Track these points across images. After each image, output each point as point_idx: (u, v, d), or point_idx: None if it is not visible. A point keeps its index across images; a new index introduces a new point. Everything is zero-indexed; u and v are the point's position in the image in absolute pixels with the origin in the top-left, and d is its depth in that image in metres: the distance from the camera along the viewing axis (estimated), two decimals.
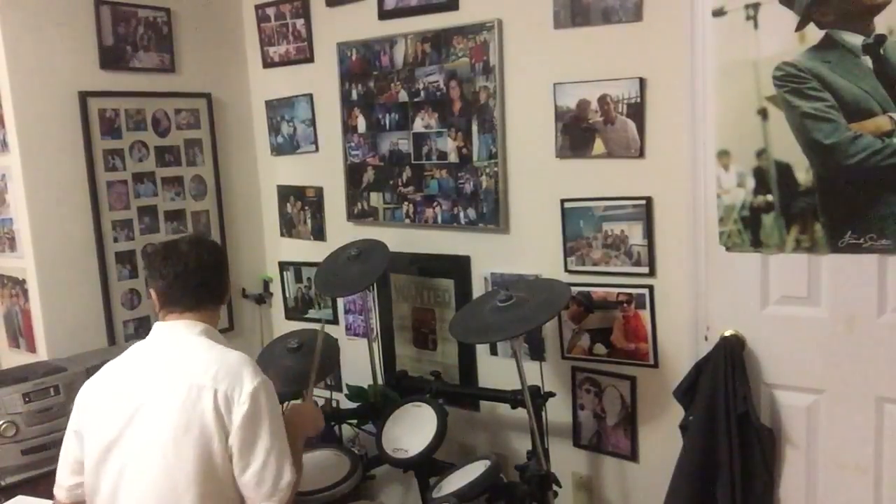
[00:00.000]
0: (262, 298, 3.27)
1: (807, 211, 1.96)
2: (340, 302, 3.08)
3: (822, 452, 2.05)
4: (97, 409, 1.78)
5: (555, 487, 2.17)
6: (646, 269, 2.27)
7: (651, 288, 2.28)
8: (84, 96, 2.67)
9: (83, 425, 1.79)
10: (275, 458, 1.73)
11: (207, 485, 1.69)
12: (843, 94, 1.87)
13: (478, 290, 2.64)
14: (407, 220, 2.78)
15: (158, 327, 1.85)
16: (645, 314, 2.29)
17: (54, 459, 2.27)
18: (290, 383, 2.46)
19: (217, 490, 1.71)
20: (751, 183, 2.03)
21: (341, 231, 3.00)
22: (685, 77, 2.12)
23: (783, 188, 1.99)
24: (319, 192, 3.09)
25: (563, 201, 2.39)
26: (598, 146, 2.30)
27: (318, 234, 3.12)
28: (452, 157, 2.62)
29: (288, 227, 3.23)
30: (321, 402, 2.82)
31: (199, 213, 3.07)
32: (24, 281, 2.66)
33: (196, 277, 1.83)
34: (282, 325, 3.25)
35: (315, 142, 3.07)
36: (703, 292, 2.18)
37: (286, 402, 2.28)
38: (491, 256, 2.61)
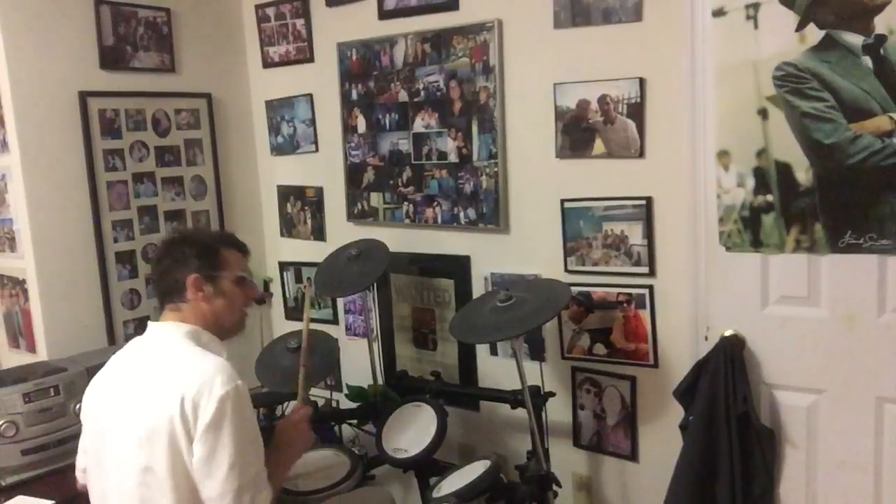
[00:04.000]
0: (262, 298, 3.27)
1: (807, 211, 1.96)
2: (340, 302, 3.08)
3: (822, 452, 2.05)
4: (90, 406, 1.82)
5: (555, 487, 2.16)
6: (646, 269, 2.27)
7: (651, 288, 2.28)
8: (84, 96, 2.67)
9: (84, 422, 1.84)
10: (239, 471, 1.63)
11: (182, 493, 1.65)
12: (843, 94, 1.87)
13: (478, 290, 2.64)
14: (407, 220, 2.78)
15: (150, 327, 1.85)
16: (645, 314, 2.29)
17: (54, 459, 2.30)
18: (290, 383, 2.46)
19: (194, 498, 1.67)
20: (751, 183, 2.03)
21: (341, 231, 3.00)
22: (685, 77, 2.12)
23: (783, 188, 1.99)
24: (319, 192, 3.09)
25: (563, 201, 2.39)
26: (598, 146, 2.30)
27: (318, 234, 3.12)
28: (452, 157, 2.62)
29: (288, 227, 3.23)
30: (321, 402, 2.82)
31: (199, 213, 3.07)
32: (24, 281, 2.66)
33: (154, 276, 1.89)
34: (282, 325, 3.25)
35: (315, 142, 3.07)
36: (703, 292, 2.18)
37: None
38: (491, 256, 2.61)
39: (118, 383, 1.79)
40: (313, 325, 2.99)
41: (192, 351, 1.75)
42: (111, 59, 2.76)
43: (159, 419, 1.65)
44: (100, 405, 1.80)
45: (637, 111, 2.21)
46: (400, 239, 2.76)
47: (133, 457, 1.68)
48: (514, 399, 2.33)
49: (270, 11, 3.09)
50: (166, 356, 1.76)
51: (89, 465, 1.83)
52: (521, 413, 2.27)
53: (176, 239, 1.88)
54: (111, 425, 1.74)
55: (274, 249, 3.31)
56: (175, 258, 1.82)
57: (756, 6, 1.96)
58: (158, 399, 1.67)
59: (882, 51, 1.82)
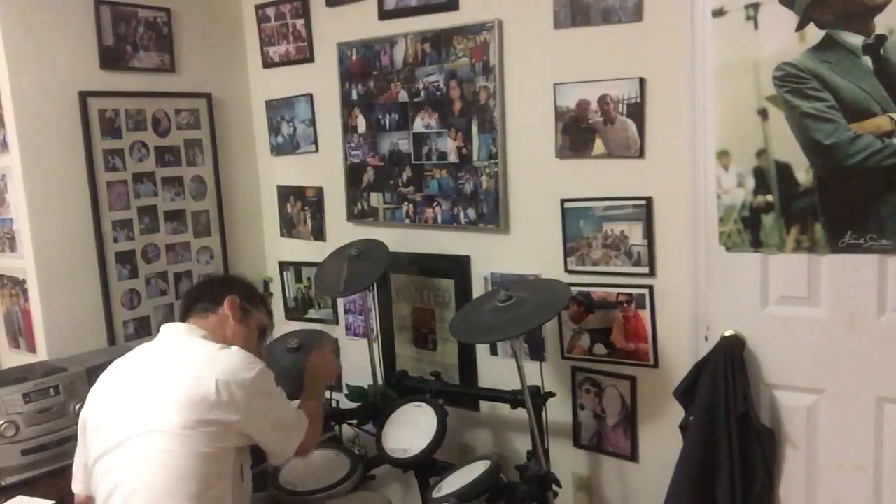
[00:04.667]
0: (263, 299, 3.26)
1: (807, 211, 1.96)
2: (340, 302, 3.08)
3: (822, 452, 2.05)
4: (101, 408, 1.83)
5: (555, 487, 2.17)
6: (646, 269, 2.27)
7: (651, 288, 2.28)
8: (84, 96, 2.67)
9: (88, 421, 1.84)
10: (292, 427, 1.93)
11: (201, 480, 1.69)
12: (843, 94, 1.87)
13: (478, 290, 2.64)
14: (407, 220, 2.78)
15: (163, 329, 1.92)
16: (645, 314, 2.29)
17: (54, 459, 2.30)
18: (290, 383, 2.46)
19: (214, 482, 1.71)
20: (751, 183, 2.03)
21: (341, 231, 3.00)
22: (685, 77, 2.12)
23: (783, 188, 1.99)
24: (319, 192, 3.09)
25: (563, 201, 2.39)
26: (598, 146, 2.30)
27: (318, 234, 3.12)
28: (452, 157, 2.62)
29: (288, 227, 3.23)
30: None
31: (199, 213, 3.07)
32: (24, 281, 2.66)
33: (192, 288, 2.13)
34: (282, 326, 3.24)
35: (315, 142, 3.07)
36: (703, 292, 2.18)
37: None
38: (491, 256, 2.61)
39: (134, 380, 1.81)
40: (313, 326, 3.01)
41: (211, 345, 1.84)
42: (111, 59, 2.76)
43: (191, 405, 1.69)
44: (116, 408, 1.80)
45: (637, 111, 2.21)
46: (400, 239, 2.76)
47: (158, 446, 1.69)
48: (514, 399, 2.33)
49: (270, 11, 3.09)
50: (189, 349, 1.83)
51: (98, 469, 1.79)
52: (521, 413, 2.27)
53: (227, 275, 2.20)
54: (133, 423, 1.74)
55: (274, 249, 3.31)
56: (222, 281, 2.15)
57: (756, 6, 1.96)
58: (189, 387, 1.71)
59: (882, 51, 1.82)
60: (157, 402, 1.73)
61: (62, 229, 2.65)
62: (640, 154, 2.23)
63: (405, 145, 2.74)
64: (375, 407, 2.55)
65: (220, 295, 1.95)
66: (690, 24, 2.09)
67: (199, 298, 1.96)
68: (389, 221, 2.84)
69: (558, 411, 2.49)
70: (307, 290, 3.20)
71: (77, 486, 1.92)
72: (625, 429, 2.40)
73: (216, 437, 1.71)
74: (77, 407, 2.27)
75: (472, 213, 2.60)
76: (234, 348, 1.84)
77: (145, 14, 2.86)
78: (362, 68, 2.81)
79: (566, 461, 2.50)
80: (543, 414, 2.30)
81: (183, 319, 1.94)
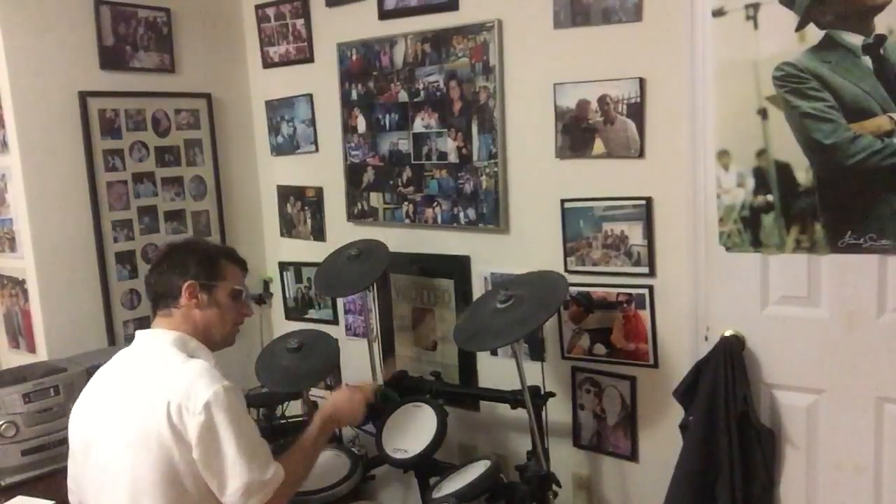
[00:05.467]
0: (262, 299, 3.27)
1: (807, 211, 1.96)
2: (340, 302, 3.08)
3: (822, 452, 2.05)
4: (77, 423, 1.82)
5: (555, 487, 2.17)
6: (646, 269, 2.27)
7: (651, 288, 2.28)
8: (84, 96, 2.67)
9: (71, 437, 1.83)
10: (245, 464, 1.65)
11: (171, 501, 1.66)
12: (843, 94, 1.87)
13: (478, 289, 2.64)
14: (407, 220, 2.78)
15: (136, 336, 1.85)
16: (645, 314, 2.29)
17: (54, 460, 2.30)
18: (290, 383, 2.47)
19: (192, 491, 1.68)
20: (751, 183, 2.03)
21: (341, 231, 3.00)
22: (685, 77, 2.12)
23: (783, 188, 1.99)
24: (319, 192, 3.09)
25: (563, 201, 2.39)
26: (598, 146, 2.30)
27: (318, 234, 3.12)
28: (452, 157, 2.62)
29: (288, 227, 3.23)
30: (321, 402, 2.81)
31: (199, 213, 3.07)
32: (24, 281, 2.66)
33: (150, 280, 1.88)
34: (282, 325, 3.25)
35: (315, 142, 3.07)
36: (703, 292, 2.18)
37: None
38: (491, 256, 2.61)
39: (105, 397, 1.78)
40: (313, 326, 3.01)
41: (177, 358, 1.74)
42: (111, 59, 2.76)
43: (147, 427, 1.65)
44: (87, 420, 1.79)
45: (637, 111, 2.21)
46: (400, 239, 2.76)
47: (122, 466, 1.67)
48: (514, 399, 2.32)
49: (270, 11, 3.09)
50: (151, 364, 1.75)
51: (79, 485, 1.81)
52: (521, 413, 2.27)
53: (177, 246, 1.91)
54: (100, 438, 1.73)
55: (274, 249, 3.31)
56: (174, 264, 1.84)
57: (756, 6, 1.95)
58: (145, 407, 1.66)
59: (882, 51, 1.82)
60: (117, 423, 1.70)
61: (62, 229, 2.65)
62: (640, 154, 2.23)
63: (405, 145, 2.74)
64: (375, 407, 2.54)
65: (176, 286, 1.80)
66: (690, 24, 2.09)
67: (158, 297, 1.83)
68: (389, 221, 2.84)
69: (558, 411, 2.49)
70: (307, 290, 3.20)
71: (73, 499, 1.88)
72: (625, 429, 2.40)
73: (176, 452, 1.65)
74: None
75: (472, 213, 2.60)
76: (197, 366, 1.71)
77: (145, 14, 2.86)
78: (362, 68, 2.81)
79: (566, 461, 2.50)
80: (543, 414, 2.30)
81: (153, 319, 1.86)
